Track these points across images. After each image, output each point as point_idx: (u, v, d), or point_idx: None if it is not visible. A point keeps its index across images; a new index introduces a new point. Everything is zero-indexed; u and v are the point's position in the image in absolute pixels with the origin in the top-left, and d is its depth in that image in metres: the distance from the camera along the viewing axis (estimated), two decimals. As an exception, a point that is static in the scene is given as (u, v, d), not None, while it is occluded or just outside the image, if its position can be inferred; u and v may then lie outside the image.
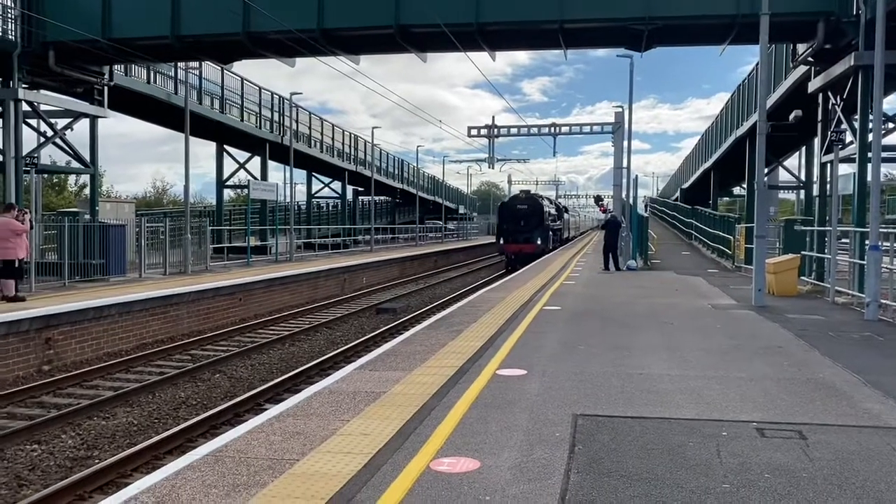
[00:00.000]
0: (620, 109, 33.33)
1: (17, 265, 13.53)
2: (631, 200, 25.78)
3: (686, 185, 47.72)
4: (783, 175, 32.77)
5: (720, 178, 36.32)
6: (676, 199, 52.29)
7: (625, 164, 26.07)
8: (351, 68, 18.32)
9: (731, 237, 23.94)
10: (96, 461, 7.84)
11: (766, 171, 14.14)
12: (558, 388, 6.62)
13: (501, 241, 33.93)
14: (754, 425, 5.49)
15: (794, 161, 31.07)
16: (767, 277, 14.22)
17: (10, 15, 16.63)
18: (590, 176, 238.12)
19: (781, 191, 39.81)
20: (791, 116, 14.42)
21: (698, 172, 41.54)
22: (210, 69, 25.51)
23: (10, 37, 16.63)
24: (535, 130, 45.67)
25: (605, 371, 7.41)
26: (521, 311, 12.13)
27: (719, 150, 32.65)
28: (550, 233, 36.02)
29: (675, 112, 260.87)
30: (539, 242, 32.98)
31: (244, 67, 24.75)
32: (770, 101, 17.44)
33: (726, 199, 48.62)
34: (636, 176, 28.25)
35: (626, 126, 26.12)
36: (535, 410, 5.85)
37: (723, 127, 32.32)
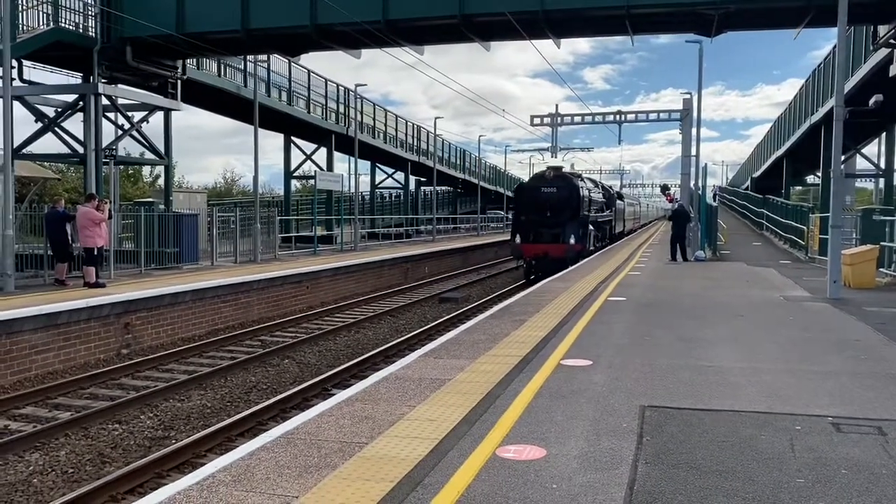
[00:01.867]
0: (689, 96, 31.84)
1: (96, 253, 14.12)
2: (700, 190, 25.20)
3: (757, 174, 46.34)
4: (860, 163, 31.54)
5: (793, 166, 35.15)
6: (747, 188, 50.85)
7: (693, 152, 25.48)
8: (414, 59, 18.46)
9: (804, 227, 23.17)
10: (173, 441, 8.17)
11: (842, 158, 13.62)
12: (625, 379, 6.56)
13: (517, 240, 23.02)
14: (829, 420, 5.34)
15: (872, 148, 29.88)
16: (843, 269, 13.72)
17: (90, 12, 17.30)
18: (655, 165, 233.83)
19: (859, 179, 38.31)
20: (871, 101, 13.81)
21: (770, 160, 40.29)
22: (278, 62, 26.00)
23: (90, 33, 17.30)
24: (599, 118, 44.96)
25: (672, 363, 7.30)
26: (586, 301, 12.03)
27: (792, 137, 31.58)
28: (591, 228, 25.11)
29: (743, 99, 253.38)
30: (572, 241, 22.39)
31: (310, 60, 25.07)
32: (848, 86, 16.77)
33: (799, 188, 47.09)
34: (705, 164, 27.49)
35: (695, 113, 25.49)
36: (601, 401, 5.81)
37: (796, 113, 31.23)
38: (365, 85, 32.71)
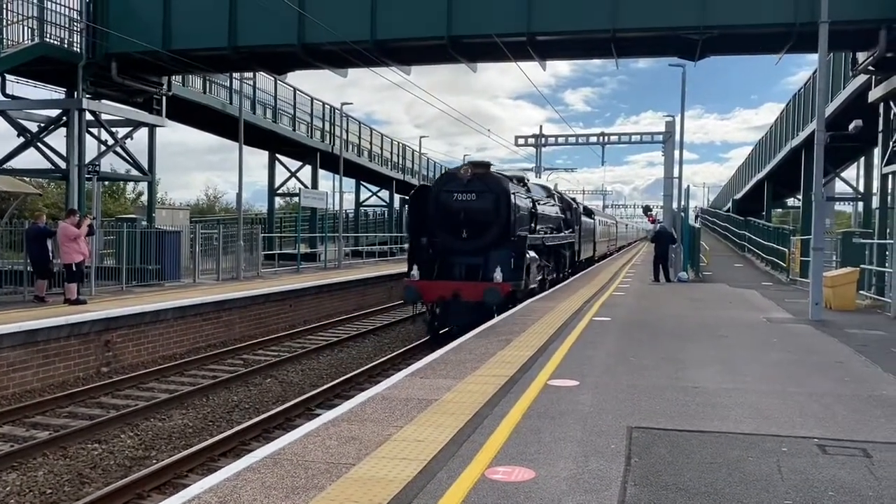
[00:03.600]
0: (671, 118, 32.12)
1: (74, 269, 13.93)
2: (683, 211, 25.41)
3: (738, 196, 46.84)
4: (839, 186, 31.97)
5: (774, 188, 35.56)
6: (728, 210, 51.34)
7: (675, 174, 25.71)
8: (400, 78, 18.56)
9: (785, 249, 23.40)
10: (154, 461, 8.04)
11: (823, 181, 13.81)
12: (611, 400, 6.56)
13: (415, 275, 14.95)
14: (815, 441, 5.36)
15: (850, 172, 30.33)
16: (825, 291, 13.86)
17: (75, 27, 17.22)
18: (636, 186, 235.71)
19: (837, 202, 38.80)
20: (851, 126, 14.02)
21: (751, 183, 40.74)
22: (263, 80, 26.01)
23: (75, 48, 17.21)
24: (583, 140, 45.32)
25: (658, 383, 7.31)
26: (571, 321, 12.05)
27: (773, 160, 31.99)
28: (535, 256, 16.56)
29: (722, 122, 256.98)
30: (498, 277, 14.39)
31: (297, 78, 25.12)
32: (828, 111, 17.03)
33: (780, 210, 47.55)
34: (687, 186, 27.54)
35: (678, 136, 25.76)
36: (589, 422, 5.80)
37: (777, 137, 31.67)
38: (351, 104, 32.74)
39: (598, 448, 5.10)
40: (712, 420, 5.94)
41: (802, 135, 24.85)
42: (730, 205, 51.38)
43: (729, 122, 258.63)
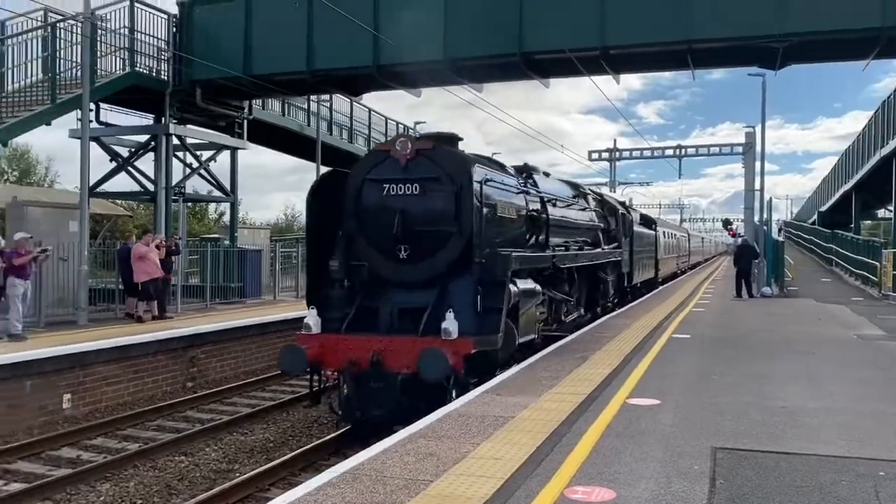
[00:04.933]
0: (751, 130, 31.04)
1: (140, 288, 14.41)
2: (765, 224, 24.59)
3: (824, 208, 45.07)
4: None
5: (863, 199, 34.06)
6: (814, 223, 49.42)
7: (757, 186, 24.91)
8: (471, 96, 18.63)
9: (876, 263, 22.33)
10: (237, 474, 8.26)
11: (918, 192, 13.16)
12: (694, 420, 6.38)
13: (312, 323, 9.04)
14: (916, 466, 5.08)
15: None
16: (922, 307, 13.14)
17: (163, 56, 18.06)
18: (714, 199, 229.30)
19: (934, 213, 36.83)
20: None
21: (838, 194, 39.14)
22: (339, 101, 26.61)
23: (162, 76, 18.04)
24: (658, 153, 44.50)
25: (742, 402, 7.07)
26: (649, 338, 11.79)
27: (862, 170, 30.65)
28: (537, 288, 10.23)
29: (803, 132, 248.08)
30: (458, 328, 8.30)
31: (371, 99, 25.56)
32: (921, 117, 16.26)
33: (869, 222, 45.49)
34: (769, 198, 26.62)
35: (759, 147, 25.00)
36: (671, 442, 5.66)
37: (865, 146, 30.34)
38: (424, 122, 33.08)
39: (681, 469, 4.97)
40: (801, 441, 5.71)
41: (893, 143, 23.74)
42: (815, 217, 49.44)
43: (811, 131, 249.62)
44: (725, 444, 5.58)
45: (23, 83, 15.78)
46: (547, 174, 13.57)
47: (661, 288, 24.92)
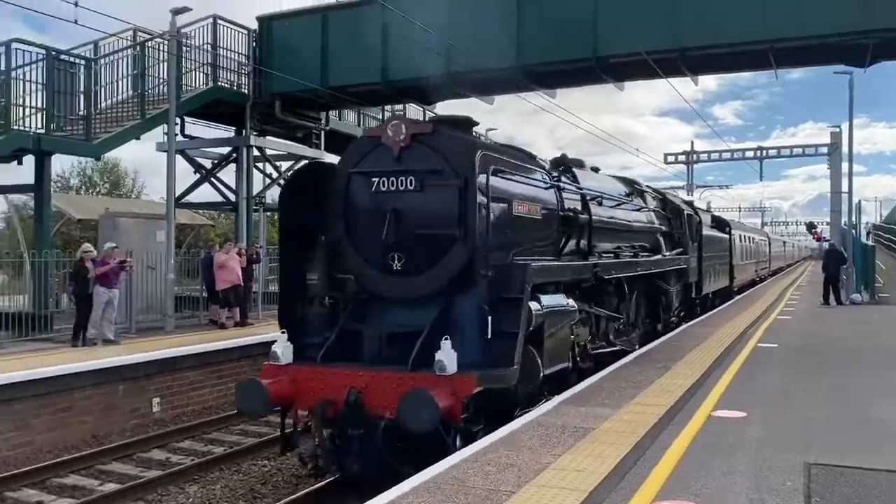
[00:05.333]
0: (837, 129, 29.65)
1: (220, 295, 14.90)
2: (853, 228, 23.57)
3: (918, 210, 42.83)
4: None
5: (961, 201, 32.17)
6: (906, 226, 47.06)
7: (844, 188, 23.88)
8: (544, 102, 18.48)
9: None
10: (318, 480, 8.40)
11: None
12: (784, 433, 6.15)
13: (279, 351, 7.34)
14: None
15: None
16: None
17: (243, 71, 18.64)
18: (795, 202, 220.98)
19: None
20: None
21: (933, 195, 37.12)
22: (412, 110, 26.87)
23: (243, 90, 18.62)
24: (738, 154, 43.21)
25: (834, 415, 6.78)
26: (733, 347, 11.44)
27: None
28: (569, 305, 8.21)
29: (892, 131, 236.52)
30: (455, 360, 6.57)
31: (444, 107, 25.71)
32: None
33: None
34: (858, 201, 25.45)
35: (845, 147, 23.96)
36: (760, 456, 5.47)
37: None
38: (496, 129, 33.08)
39: (773, 486, 4.79)
40: (902, 459, 5.43)
41: None
42: (908, 219, 47.07)
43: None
44: (819, 460, 5.36)
45: (113, 100, 16.55)
46: (596, 169, 12.05)
47: (737, 298, 23.17)
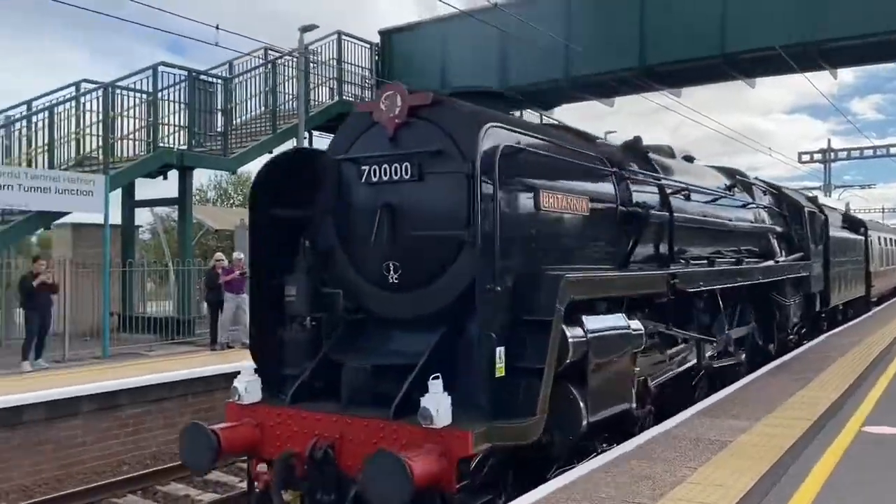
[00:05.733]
0: None
1: None
2: None
3: None
4: None
5: None
6: None
7: None
8: (667, 101, 17.94)
9: None
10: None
11: None
12: (947, 453, 5.65)
13: (241, 387, 5.73)
14: None
15: None
16: None
17: (367, 84, 19.23)
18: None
19: None
20: None
21: None
22: (527, 114, 26.81)
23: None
24: (881, 151, 40.22)
25: None
26: (884, 356, 10.65)
27: None
28: (636, 328, 6.15)
29: None
30: (448, 408, 4.78)
31: (560, 112, 25.51)
32: None
33: None
34: None
35: None
36: (921, 477, 5.05)
37: None
38: (615, 132, 32.41)
39: (938, 510, 4.41)
40: None
41: None
42: None
43: None
44: None
45: (246, 116, 17.47)
46: (690, 158, 10.14)
47: (875, 310, 20.34)
